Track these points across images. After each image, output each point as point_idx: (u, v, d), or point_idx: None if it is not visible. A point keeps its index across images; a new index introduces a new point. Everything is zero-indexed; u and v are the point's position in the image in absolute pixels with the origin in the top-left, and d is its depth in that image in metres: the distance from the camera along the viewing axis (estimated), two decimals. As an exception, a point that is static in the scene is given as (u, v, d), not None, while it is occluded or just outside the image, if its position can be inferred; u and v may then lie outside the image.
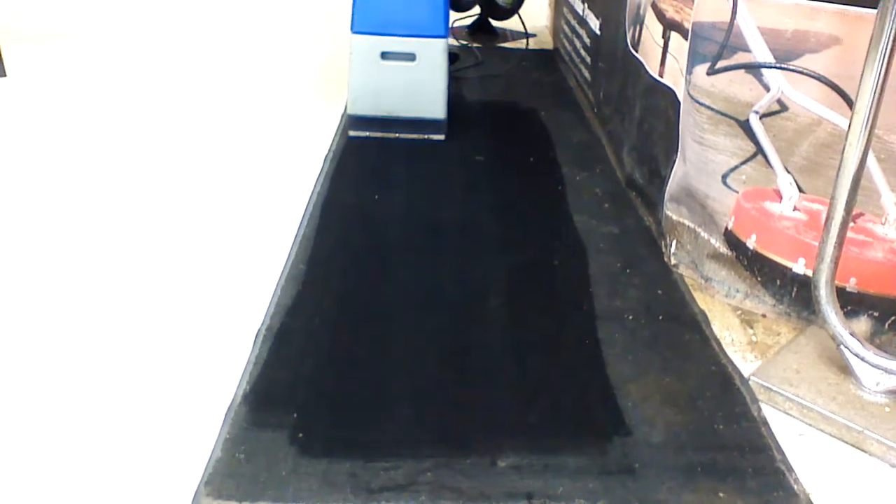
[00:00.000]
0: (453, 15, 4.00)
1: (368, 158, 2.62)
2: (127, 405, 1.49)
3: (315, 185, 2.36)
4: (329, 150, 2.63)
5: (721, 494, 1.32)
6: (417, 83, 2.65)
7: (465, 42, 4.03)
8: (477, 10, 4.14)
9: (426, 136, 2.70)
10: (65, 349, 1.64)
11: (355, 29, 2.62)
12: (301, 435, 1.41)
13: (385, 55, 2.62)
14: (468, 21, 4.22)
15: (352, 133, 2.68)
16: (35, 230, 2.11)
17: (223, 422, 1.43)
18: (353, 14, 2.61)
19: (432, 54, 2.63)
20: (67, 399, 1.50)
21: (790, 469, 1.39)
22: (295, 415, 1.46)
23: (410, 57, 2.62)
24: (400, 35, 2.61)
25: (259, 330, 1.68)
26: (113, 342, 1.67)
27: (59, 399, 1.50)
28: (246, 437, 1.40)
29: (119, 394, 1.52)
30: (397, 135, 2.70)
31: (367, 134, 2.69)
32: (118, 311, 1.77)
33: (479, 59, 3.77)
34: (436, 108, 2.70)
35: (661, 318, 1.79)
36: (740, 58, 1.77)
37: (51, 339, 1.68)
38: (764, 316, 1.83)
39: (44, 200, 2.27)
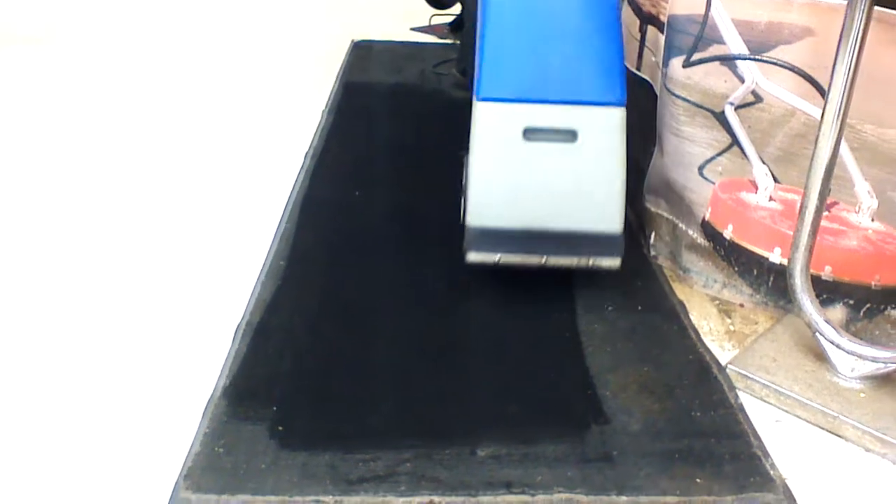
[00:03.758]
0: (433, 12, 4.02)
1: (350, 163, 2.62)
2: (105, 399, 1.49)
3: (295, 181, 2.36)
4: (310, 146, 2.63)
5: (698, 480, 1.33)
6: (579, 176, 1.73)
7: (447, 39, 4.04)
8: (458, 7, 4.15)
9: (591, 262, 1.73)
10: (42, 344, 1.64)
11: (483, 94, 1.71)
12: (281, 428, 1.41)
13: (530, 133, 1.71)
14: (449, 18, 4.23)
15: (473, 257, 1.72)
16: (17, 230, 2.10)
17: (202, 416, 1.43)
18: (478, 71, 1.72)
19: (603, 131, 1.71)
20: (44, 394, 1.50)
21: (766, 455, 1.40)
22: (274, 408, 1.46)
23: (570, 136, 1.71)
24: (554, 102, 1.71)
25: (239, 325, 1.68)
26: (92, 337, 1.66)
27: (36, 394, 1.50)
28: (225, 431, 1.40)
29: (97, 388, 1.52)
30: (544, 258, 1.73)
31: (498, 258, 1.72)
32: (97, 307, 1.77)
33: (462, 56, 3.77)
34: (608, 215, 1.74)
35: (640, 308, 1.81)
36: (715, 50, 1.78)
37: (28, 336, 1.67)
38: (741, 305, 1.85)
39: (26, 199, 2.26)
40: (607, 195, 1.73)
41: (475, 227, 1.73)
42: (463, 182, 1.84)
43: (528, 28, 1.70)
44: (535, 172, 1.72)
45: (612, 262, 1.72)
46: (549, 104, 1.70)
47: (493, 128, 1.72)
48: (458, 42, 3.73)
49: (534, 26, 1.70)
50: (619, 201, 1.73)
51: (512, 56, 1.70)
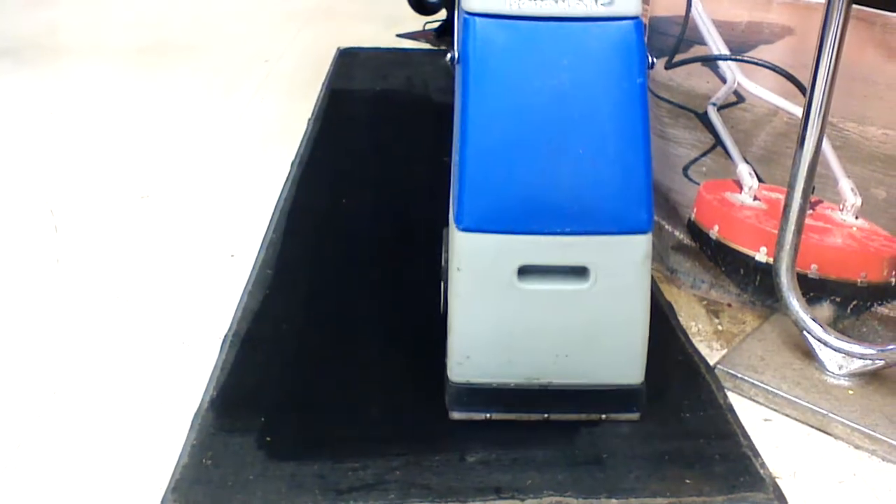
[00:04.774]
0: (421, 18, 4.03)
1: (337, 170, 2.61)
2: (92, 412, 1.48)
3: (282, 190, 2.35)
4: (296, 154, 2.62)
5: (688, 481, 1.33)
6: (591, 323, 1.37)
7: (433, 46, 4.05)
8: (444, 13, 4.16)
9: (604, 417, 1.45)
10: (28, 355, 1.63)
11: (465, 222, 1.31)
12: (269, 439, 1.40)
13: (526, 272, 1.34)
14: (435, 25, 4.24)
15: (457, 416, 1.46)
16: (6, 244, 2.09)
17: (190, 427, 1.42)
18: (458, 193, 1.32)
19: (623, 266, 1.34)
20: (29, 407, 1.49)
21: (756, 454, 1.40)
22: (262, 419, 1.45)
23: (579, 273, 1.34)
24: (558, 232, 1.31)
25: (226, 335, 1.68)
26: (79, 349, 1.65)
27: (21, 407, 1.49)
28: (213, 443, 1.39)
29: (84, 401, 1.51)
30: (546, 416, 1.45)
31: (487, 416, 1.45)
32: (84, 319, 1.76)
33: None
34: (627, 366, 1.41)
35: (627, 310, 1.80)
36: (697, 51, 1.79)
37: (15, 347, 1.66)
38: (729, 305, 1.85)
39: (15, 213, 2.25)
40: (626, 344, 1.38)
41: (459, 384, 1.43)
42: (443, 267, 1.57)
43: (521, 133, 1.27)
44: (535, 320, 1.36)
45: (630, 417, 1.45)
46: (552, 235, 1.31)
47: (478, 265, 1.33)
48: (444, 48, 3.73)
49: (530, 130, 1.27)
50: (640, 349, 1.39)
51: (501, 172, 1.28)
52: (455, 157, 1.34)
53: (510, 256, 1.32)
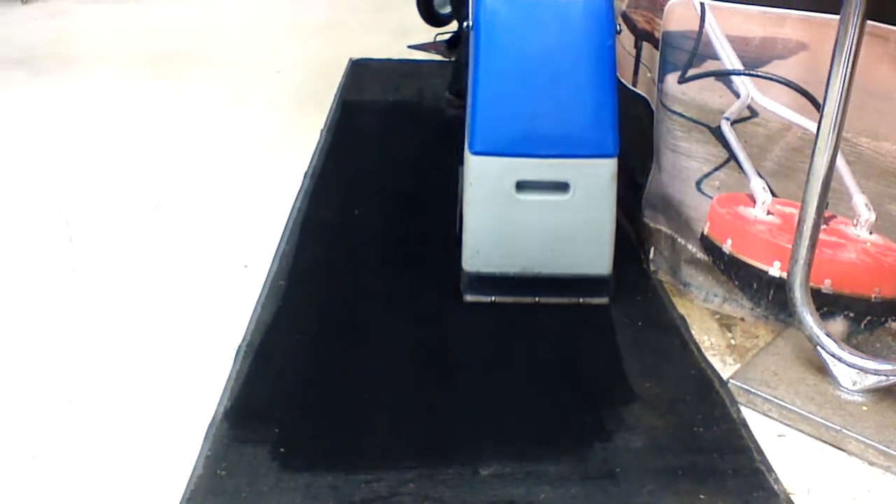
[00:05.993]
0: (432, 30, 4.05)
1: (349, 182, 2.62)
2: (107, 422, 1.49)
3: (295, 201, 2.37)
4: (309, 166, 2.63)
5: (701, 496, 1.33)
6: (571, 225, 1.81)
7: (444, 57, 4.06)
8: (455, 25, 4.18)
9: (581, 300, 1.87)
10: (43, 365, 1.64)
11: (476, 147, 1.76)
12: (283, 450, 1.41)
13: (522, 186, 1.79)
14: (447, 36, 4.25)
15: (469, 299, 1.87)
16: (20, 257, 2.10)
17: (204, 438, 1.43)
18: (471, 126, 1.77)
19: (595, 182, 1.78)
20: (44, 417, 1.50)
21: (770, 469, 1.40)
22: (276, 430, 1.46)
23: (561, 187, 1.79)
24: (546, 156, 1.76)
25: (239, 346, 1.68)
26: (93, 360, 1.66)
27: (35, 416, 1.50)
28: (227, 454, 1.40)
29: (99, 410, 1.52)
30: (537, 299, 1.88)
31: (493, 299, 1.87)
32: (98, 330, 1.77)
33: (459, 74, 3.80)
34: (597, 259, 1.84)
35: (640, 323, 1.81)
36: (710, 65, 1.80)
37: (30, 357, 1.67)
38: (742, 319, 1.85)
39: (30, 229, 2.27)
40: (598, 241, 1.83)
41: (471, 272, 1.86)
42: (457, 194, 2.00)
43: (519, 81, 1.73)
44: (528, 223, 1.81)
45: (601, 300, 1.87)
46: (542, 158, 1.77)
47: (485, 181, 1.79)
48: (454, 60, 3.74)
49: (525, 80, 1.73)
50: (608, 246, 1.84)
51: (504, 110, 1.75)
52: (469, 101, 1.78)
53: (510, 174, 1.77)
